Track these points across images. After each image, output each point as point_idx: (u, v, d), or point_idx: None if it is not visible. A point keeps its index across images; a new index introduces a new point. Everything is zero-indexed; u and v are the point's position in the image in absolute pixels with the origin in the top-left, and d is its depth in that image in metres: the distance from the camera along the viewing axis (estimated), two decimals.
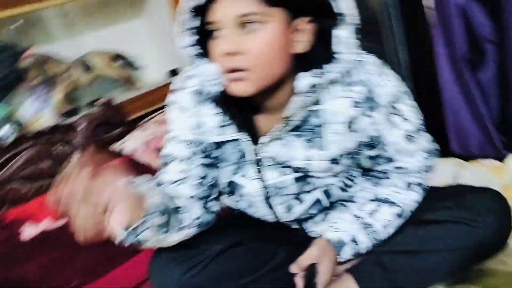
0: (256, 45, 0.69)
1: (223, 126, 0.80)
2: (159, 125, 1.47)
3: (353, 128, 0.77)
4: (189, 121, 0.82)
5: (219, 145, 0.81)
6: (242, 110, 0.78)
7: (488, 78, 1.18)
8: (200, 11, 0.73)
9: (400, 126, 0.78)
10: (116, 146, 1.51)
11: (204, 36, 0.75)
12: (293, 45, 0.73)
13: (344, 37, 0.72)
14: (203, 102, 0.80)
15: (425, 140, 0.81)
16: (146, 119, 1.62)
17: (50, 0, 1.59)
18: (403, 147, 0.79)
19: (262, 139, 0.78)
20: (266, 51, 0.70)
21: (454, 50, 1.17)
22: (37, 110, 1.61)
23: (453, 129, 1.27)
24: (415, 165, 0.81)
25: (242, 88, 0.72)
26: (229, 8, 0.69)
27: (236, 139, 0.80)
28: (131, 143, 1.45)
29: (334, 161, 0.78)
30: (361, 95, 0.75)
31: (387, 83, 0.76)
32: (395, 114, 0.78)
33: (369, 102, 0.75)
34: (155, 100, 1.71)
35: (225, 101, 0.77)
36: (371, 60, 0.77)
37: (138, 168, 1.39)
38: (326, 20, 0.72)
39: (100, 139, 1.54)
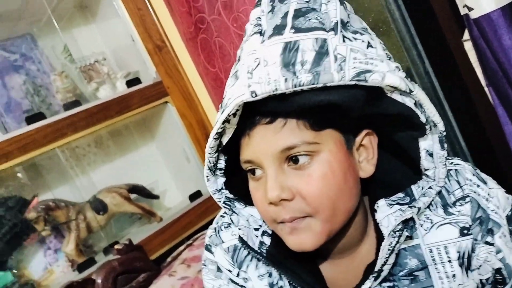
0: (313, 184, 0.51)
1: None
2: (187, 266, 1.24)
3: (471, 264, 0.56)
4: None
5: None
6: (300, 262, 0.59)
7: None
8: (226, 149, 0.57)
9: None
10: None
11: (237, 175, 0.59)
12: (358, 168, 0.56)
13: (432, 149, 0.54)
14: (244, 261, 0.62)
15: None
16: (171, 257, 1.40)
17: (56, 141, 1.47)
18: None
19: None
20: (327, 188, 0.52)
21: None
22: (48, 266, 1.42)
23: None
24: None
25: (305, 242, 0.53)
26: (268, 143, 0.52)
27: None
28: None
29: None
30: (470, 217, 0.56)
31: (496, 192, 0.57)
32: None
33: (484, 224, 0.55)
34: (178, 231, 1.51)
35: (275, 255, 0.58)
36: (466, 166, 0.58)
37: None
38: (406, 131, 0.55)
39: None
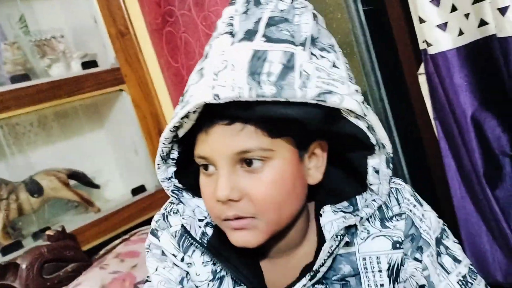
0: (262, 188, 0.53)
1: (218, 278, 0.62)
2: (121, 261, 1.21)
3: (399, 276, 0.60)
4: (172, 273, 0.64)
5: None
6: (241, 256, 0.60)
7: (507, 195, 1.04)
8: (181, 141, 0.58)
9: (453, 269, 0.61)
10: None
11: (188, 166, 0.60)
12: (307, 175, 0.58)
13: (379, 167, 0.57)
14: (190, 247, 0.63)
15: (481, 285, 0.64)
16: (104, 249, 1.35)
17: None
18: None
19: None
20: (275, 193, 0.54)
21: (466, 164, 1.04)
22: None
23: (472, 254, 1.09)
24: None
25: (247, 239, 0.56)
26: (224, 144, 0.53)
27: None
28: (88, 286, 1.17)
29: None
30: (403, 233, 0.60)
31: (429, 215, 0.62)
32: (445, 254, 0.62)
33: (415, 241, 0.60)
34: (116, 224, 1.47)
35: (216, 246, 0.60)
36: (406, 187, 0.63)
37: None
38: (357, 149, 0.58)
39: (48, 279, 1.25)
